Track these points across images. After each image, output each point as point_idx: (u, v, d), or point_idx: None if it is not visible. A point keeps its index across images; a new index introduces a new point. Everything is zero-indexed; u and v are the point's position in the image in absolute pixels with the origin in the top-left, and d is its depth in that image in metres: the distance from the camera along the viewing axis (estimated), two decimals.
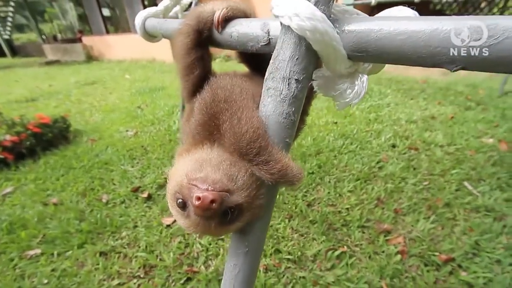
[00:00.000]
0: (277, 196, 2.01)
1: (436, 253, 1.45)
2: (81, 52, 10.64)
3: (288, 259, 1.50)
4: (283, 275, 1.42)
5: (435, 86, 4.05)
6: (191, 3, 1.24)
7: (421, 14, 0.30)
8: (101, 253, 1.63)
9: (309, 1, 0.29)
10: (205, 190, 0.36)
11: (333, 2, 0.30)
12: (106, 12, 10.62)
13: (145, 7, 8.45)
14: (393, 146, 2.48)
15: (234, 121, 0.38)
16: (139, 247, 1.65)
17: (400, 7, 0.31)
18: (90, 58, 10.56)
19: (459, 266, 1.39)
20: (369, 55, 0.28)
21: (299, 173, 0.36)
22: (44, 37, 14.08)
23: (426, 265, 1.41)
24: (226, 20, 0.43)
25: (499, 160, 2.15)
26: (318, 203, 1.88)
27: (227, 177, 0.38)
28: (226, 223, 0.38)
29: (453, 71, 0.25)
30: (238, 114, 0.38)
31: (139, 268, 1.52)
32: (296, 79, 0.32)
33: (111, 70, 7.78)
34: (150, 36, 0.77)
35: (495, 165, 2.09)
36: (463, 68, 0.24)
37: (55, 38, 13.83)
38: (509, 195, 1.77)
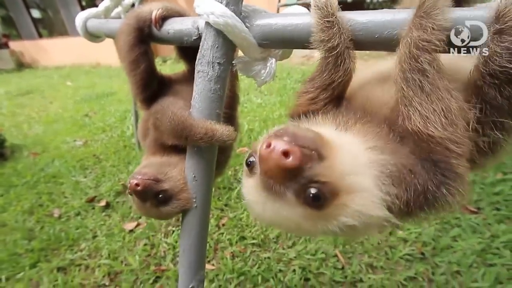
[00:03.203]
0: (238, 188, 2.09)
1: None
2: (9, 59, 9.40)
3: (253, 244, 1.60)
4: (249, 259, 1.51)
5: None
6: (133, 4, 1.25)
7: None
8: (58, 269, 1.54)
9: (221, 2, 0.37)
10: (135, 178, 0.51)
11: (241, 2, 0.39)
12: (36, 13, 9.51)
13: (82, 7, 7.83)
14: None
15: (163, 119, 0.51)
16: (102, 256, 1.60)
17: (296, 6, 0.41)
18: (21, 65, 9.40)
19: (396, 226, 1.62)
20: (272, 42, 0.38)
21: (226, 130, 0.45)
22: None
23: None
24: (163, 19, 0.50)
25: None
26: None
27: (158, 171, 0.53)
28: (158, 205, 0.52)
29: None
30: (164, 113, 0.51)
31: (104, 276, 1.48)
32: (218, 63, 0.41)
33: (48, 78, 7.06)
34: (93, 36, 0.79)
35: None
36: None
37: None
38: None
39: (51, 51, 8.96)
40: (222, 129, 0.46)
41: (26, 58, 9.52)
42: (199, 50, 0.42)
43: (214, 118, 0.46)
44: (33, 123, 3.83)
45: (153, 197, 0.51)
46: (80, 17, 0.79)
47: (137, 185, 0.49)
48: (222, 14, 0.36)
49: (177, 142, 0.50)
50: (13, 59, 9.41)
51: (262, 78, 0.44)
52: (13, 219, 1.93)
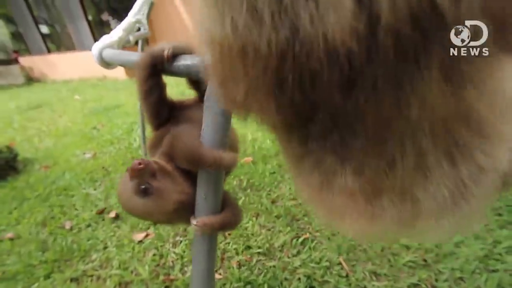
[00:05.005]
0: (243, 198, 2.12)
1: None
2: (19, 74, 9.71)
3: (259, 253, 1.64)
4: (255, 267, 1.55)
5: None
6: (139, 28, 1.33)
7: None
8: (71, 279, 1.60)
9: None
10: (142, 160, 0.54)
11: None
12: (44, 29, 9.84)
13: (88, 22, 8.08)
14: None
15: (177, 147, 0.57)
16: (112, 266, 1.65)
17: None
18: (30, 80, 9.69)
19: None
20: None
21: (231, 158, 0.52)
22: None
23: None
24: (174, 55, 0.57)
25: None
26: (281, 199, 2.06)
27: (159, 170, 0.56)
28: (135, 192, 0.55)
29: None
30: (178, 141, 0.58)
31: (115, 286, 1.53)
32: None
33: (57, 92, 7.27)
34: (108, 65, 0.87)
35: None
36: None
37: None
38: None
39: (59, 66, 9.23)
40: (228, 157, 0.53)
41: (35, 73, 9.81)
42: (208, 86, 0.49)
43: (221, 147, 0.52)
44: (44, 136, 3.96)
45: (138, 183, 0.54)
46: (97, 47, 0.87)
47: (140, 163, 0.52)
48: None
49: (188, 167, 0.56)
50: (23, 74, 9.71)
51: None
52: (27, 231, 2.01)
